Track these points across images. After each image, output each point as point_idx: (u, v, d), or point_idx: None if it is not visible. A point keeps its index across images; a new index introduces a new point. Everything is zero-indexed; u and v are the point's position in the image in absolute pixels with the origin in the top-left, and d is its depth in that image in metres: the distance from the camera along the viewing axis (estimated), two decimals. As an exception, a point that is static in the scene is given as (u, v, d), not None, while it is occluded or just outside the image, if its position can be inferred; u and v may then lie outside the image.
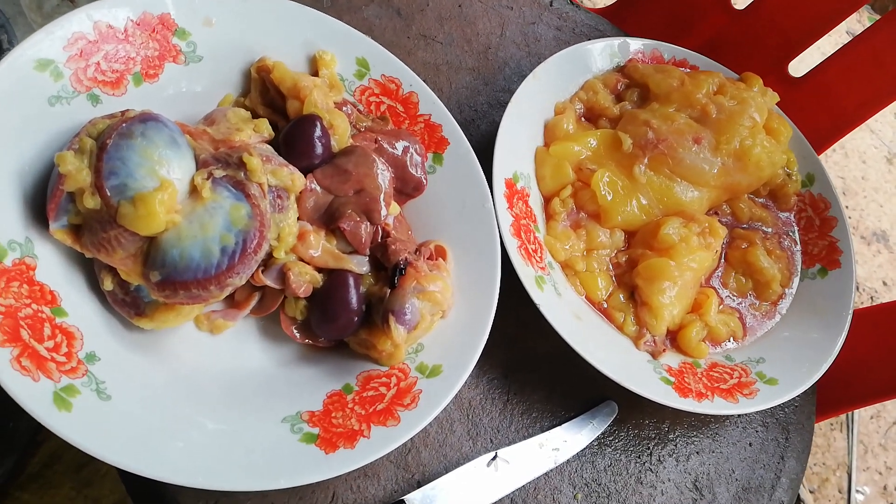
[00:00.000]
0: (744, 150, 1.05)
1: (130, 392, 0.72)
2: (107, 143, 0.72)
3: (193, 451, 0.70)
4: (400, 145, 0.93)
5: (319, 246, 0.83)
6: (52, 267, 0.74)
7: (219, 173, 0.77)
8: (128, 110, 0.81)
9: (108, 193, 0.72)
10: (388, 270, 0.84)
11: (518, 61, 1.22)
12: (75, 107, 0.79)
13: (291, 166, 0.81)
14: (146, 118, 0.75)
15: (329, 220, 0.84)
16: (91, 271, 0.78)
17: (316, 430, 0.76)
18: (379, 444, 0.76)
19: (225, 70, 0.91)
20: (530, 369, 1.00)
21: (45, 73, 0.77)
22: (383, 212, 0.86)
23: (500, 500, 0.90)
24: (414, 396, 0.81)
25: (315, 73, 0.94)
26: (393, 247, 0.84)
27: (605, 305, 1.01)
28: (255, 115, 0.90)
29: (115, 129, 0.73)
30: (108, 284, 0.76)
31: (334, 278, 0.83)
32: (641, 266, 1.00)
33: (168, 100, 0.87)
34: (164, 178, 0.74)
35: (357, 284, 0.83)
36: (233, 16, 0.90)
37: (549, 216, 1.03)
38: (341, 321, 0.82)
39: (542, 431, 0.97)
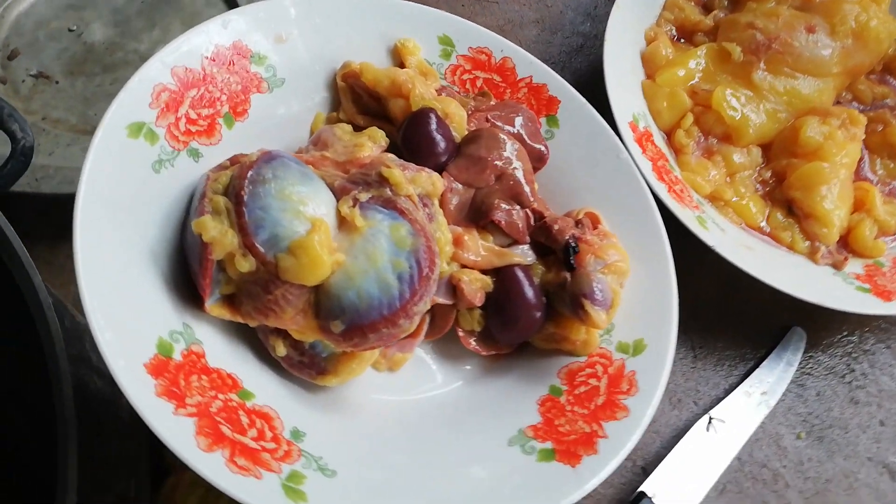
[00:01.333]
0: (860, 26, 0.96)
1: (348, 459, 0.64)
2: (241, 195, 0.63)
3: (445, 499, 0.62)
4: (511, 118, 0.84)
5: (478, 247, 0.74)
6: (218, 347, 0.65)
7: (364, 196, 0.68)
8: (239, 156, 0.72)
9: (262, 250, 0.63)
10: (558, 252, 0.75)
11: (578, 1, 1.13)
12: (179, 167, 0.70)
13: (427, 169, 0.72)
14: (270, 158, 0.66)
15: (478, 217, 0.76)
16: (253, 341, 0.69)
17: (549, 445, 0.68)
18: (620, 440, 0.68)
19: (309, 87, 0.82)
20: (706, 318, 0.92)
21: (140, 138, 0.68)
22: (528, 192, 0.78)
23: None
24: (630, 381, 0.73)
25: (401, 65, 0.85)
26: (555, 226, 0.75)
27: (767, 228, 0.93)
28: (356, 128, 0.80)
29: (244, 177, 0.64)
30: (280, 350, 0.67)
31: (505, 277, 0.74)
32: (793, 177, 0.92)
33: (262, 134, 0.78)
34: (313, 216, 0.65)
35: (530, 277, 0.75)
36: (302, 25, 0.80)
37: (677, 151, 0.95)
38: (523, 321, 0.73)
39: (740, 379, 0.89)
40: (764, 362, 0.90)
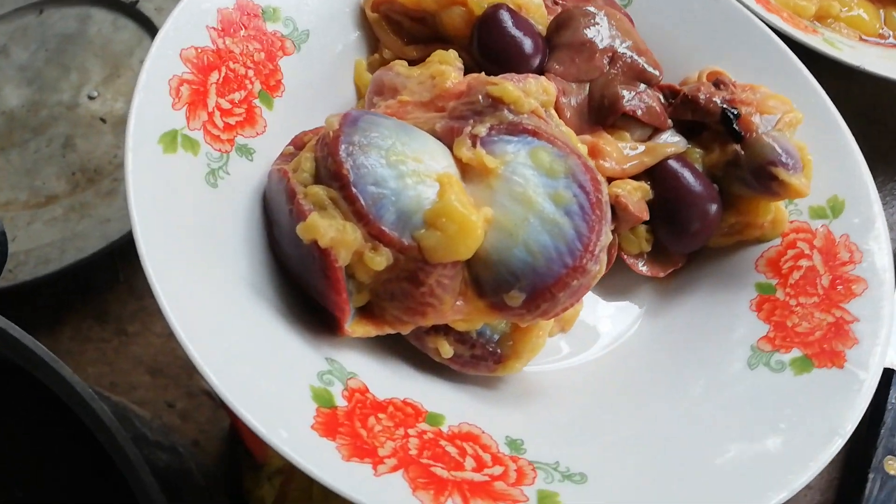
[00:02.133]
0: None
1: (582, 453, 0.50)
2: (344, 173, 0.47)
3: (719, 463, 0.49)
4: (580, -8, 0.68)
5: (620, 150, 0.60)
6: (377, 373, 0.50)
7: (481, 130, 0.52)
8: (302, 135, 0.56)
9: (395, 234, 0.47)
10: (712, 125, 0.61)
11: None
12: (236, 173, 0.54)
13: (532, 75, 0.57)
14: (353, 120, 0.50)
15: (604, 115, 0.60)
16: (403, 349, 0.54)
17: (798, 352, 0.55)
18: (874, 314, 0.55)
19: (337, 32, 0.65)
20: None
21: (179, 150, 0.51)
22: (651, 66, 0.62)
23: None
24: (846, 246, 0.59)
25: (432, -27, 0.68)
26: (700, 95, 0.60)
27: (889, 33, 0.79)
28: (409, 63, 0.64)
29: (336, 152, 0.48)
30: (447, 350, 0.52)
31: (663, 176, 0.60)
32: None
33: (306, 104, 0.62)
34: (437, 172, 0.49)
35: (691, 166, 0.60)
36: (303, -41, 0.63)
37: (760, -23, 0.80)
38: (700, 220, 0.59)
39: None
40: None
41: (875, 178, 0.78)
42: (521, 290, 0.48)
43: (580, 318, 0.61)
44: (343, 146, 0.48)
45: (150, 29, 0.83)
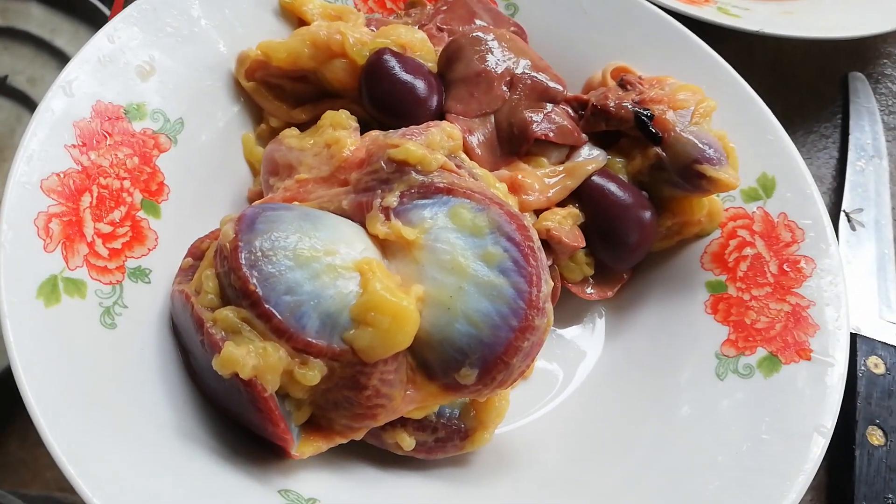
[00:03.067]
0: None
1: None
2: (251, 289, 0.43)
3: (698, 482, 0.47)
4: (464, 14, 0.64)
5: (540, 178, 0.56)
6: (337, 492, 0.46)
7: (392, 199, 0.48)
8: (198, 242, 0.51)
9: (322, 343, 0.43)
10: (628, 132, 0.58)
11: None
12: (133, 303, 0.49)
13: (432, 123, 0.52)
14: (250, 221, 0.45)
15: (516, 144, 0.57)
16: (357, 452, 0.50)
17: (763, 352, 0.53)
18: (829, 294, 0.54)
19: (213, 110, 0.59)
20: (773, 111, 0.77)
21: (62, 299, 0.45)
22: (551, 81, 0.59)
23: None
24: (787, 226, 0.58)
25: (302, 24, 0.63)
26: (609, 102, 0.57)
27: (779, -16, 0.78)
28: (300, 127, 0.59)
29: (238, 265, 0.43)
30: (407, 442, 0.48)
31: (589, 196, 0.57)
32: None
33: (198, 201, 0.56)
34: (354, 261, 0.45)
35: (616, 179, 0.57)
36: (159, 42, 0.57)
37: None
38: (638, 232, 0.57)
39: (839, 157, 0.76)
40: (850, 124, 0.77)
41: (794, 131, 0.78)
42: (472, 365, 0.45)
43: (540, 359, 0.58)
44: (244, 257, 0.44)
45: (27, 103, 0.76)
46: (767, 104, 0.76)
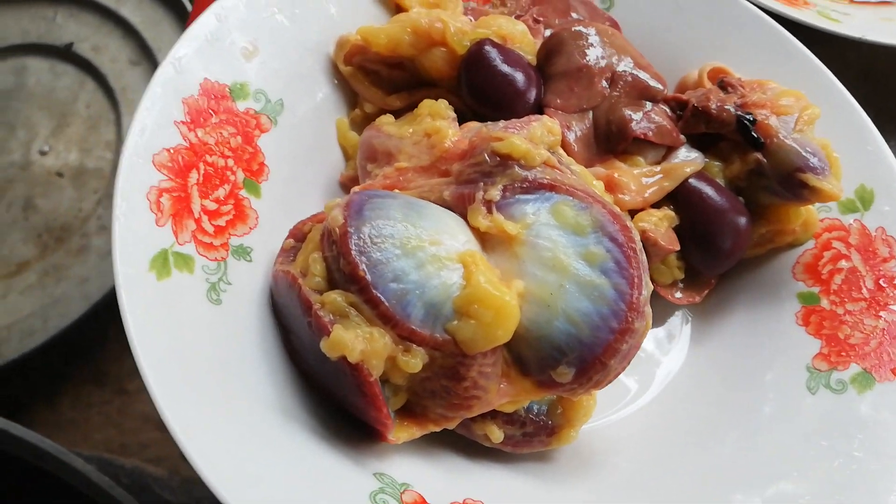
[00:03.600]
0: None
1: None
2: (360, 275, 0.43)
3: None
4: (560, 6, 0.64)
5: (637, 178, 0.56)
6: (430, 476, 0.47)
7: (495, 193, 0.48)
8: (300, 225, 0.52)
9: (426, 332, 0.43)
10: (729, 135, 0.57)
11: None
12: (238, 280, 0.50)
13: (533, 116, 0.52)
14: (358, 207, 0.46)
15: (613, 142, 0.57)
16: (447, 441, 0.50)
17: (856, 368, 0.52)
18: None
19: (312, 93, 0.60)
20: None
21: (172, 273, 0.46)
22: (653, 80, 0.58)
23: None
24: (884, 240, 0.57)
25: (399, 11, 0.63)
26: (711, 104, 0.56)
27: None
28: (395, 114, 0.59)
29: (348, 249, 0.44)
30: (496, 435, 0.49)
31: (685, 198, 0.56)
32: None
33: (294, 182, 0.57)
34: (458, 253, 0.45)
35: (713, 183, 0.57)
36: (263, 22, 0.58)
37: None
38: (732, 237, 0.56)
39: None
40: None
41: (888, 142, 0.76)
42: (569, 364, 0.45)
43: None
44: (353, 243, 0.44)
45: (91, 71, 0.78)
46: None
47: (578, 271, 0.46)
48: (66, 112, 0.77)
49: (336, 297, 0.44)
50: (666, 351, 0.59)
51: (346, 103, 0.62)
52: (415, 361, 0.43)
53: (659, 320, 0.60)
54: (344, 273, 0.44)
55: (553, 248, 0.46)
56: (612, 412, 0.56)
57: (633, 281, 0.46)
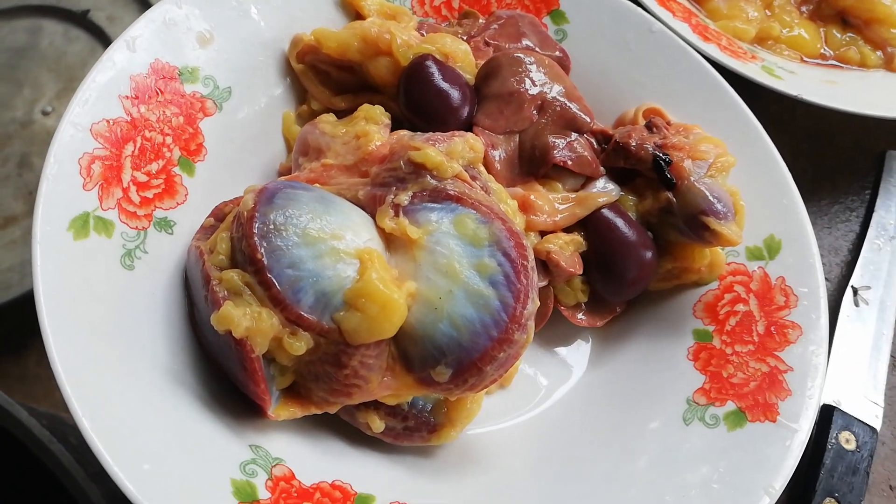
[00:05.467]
0: None
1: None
2: (258, 258, 0.46)
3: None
4: (513, 32, 0.67)
5: (551, 202, 0.59)
6: (305, 455, 0.50)
7: (404, 198, 0.51)
8: (222, 205, 0.55)
9: (313, 318, 0.46)
10: (645, 172, 0.60)
11: None
12: (154, 250, 0.53)
13: (458, 132, 0.55)
14: (270, 195, 0.49)
15: (535, 165, 0.59)
16: (333, 422, 0.53)
17: (732, 406, 0.55)
18: (808, 364, 0.55)
19: (261, 86, 0.63)
20: (803, 176, 0.78)
21: (91, 234, 0.50)
22: (581, 112, 0.61)
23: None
24: (783, 290, 0.59)
25: (359, 17, 0.67)
26: (632, 141, 0.59)
27: (830, 53, 0.78)
28: (338, 114, 0.62)
29: (251, 234, 0.47)
30: (377, 424, 0.51)
31: (596, 227, 0.59)
32: (839, -17, 0.77)
33: (231, 165, 0.60)
34: (357, 249, 0.48)
35: (624, 215, 0.59)
36: (222, 12, 0.61)
37: (699, 0, 0.79)
38: (636, 269, 0.58)
39: (859, 232, 0.77)
40: (877, 202, 0.77)
41: (821, 198, 0.79)
42: (448, 365, 0.48)
43: (522, 372, 0.61)
44: (257, 227, 0.47)
45: (103, 40, 0.81)
46: (800, 167, 0.78)
47: (469, 280, 0.48)
48: (73, 77, 0.79)
49: (234, 275, 0.47)
50: (565, 368, 0.61)
51: (295, 98, 0.65)
52: (299, 344, 0.46)
53: (562, 339, 0.63)
54: (245, 254, 0.47)
55: (449, 255, 0.49)
56: (503, 420, 0.58)
57: (518, 295, 0.48)
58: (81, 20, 0.81)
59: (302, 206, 0.49)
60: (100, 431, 0.42)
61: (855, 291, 0.71)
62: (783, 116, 0.79)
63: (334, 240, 0.48)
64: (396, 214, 0.51)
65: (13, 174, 0.74)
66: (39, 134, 0.78)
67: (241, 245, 0.47)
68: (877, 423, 0.64)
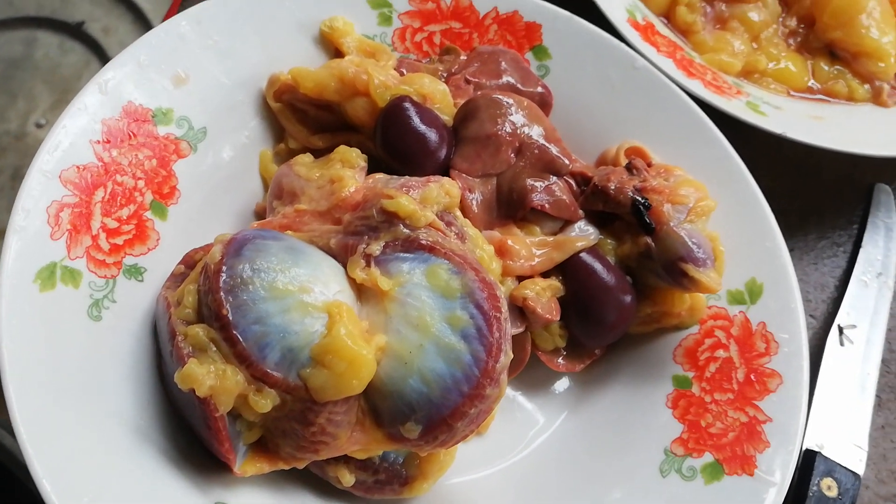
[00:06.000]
0: None
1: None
2: (223, 314, 0.45)
3: None
4: (494, 68, 0.66)
5: (528, 247, 0.58)
6: (272, 511, 0.49)
7: (375, 248, 0.50)
8: (192, 253, 0.54)
9: (279, 375, 0.46)
10: (625, 216, 0.59)
11: None
12: (123, 299, 0.52)
13: (434, 178, 0.55)
14: (238, 247, 0.48)
15: (513, 209, 0.59)
16: (301, 478, 0.52)
17: (709, 457, 0.54)
18: (788, 415, 0.55)
19: (237, 125, 0.63)
20: (789, 212, 0.77)
21: (57, 285, 0.49)
22: (560, 154, 0.61)
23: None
24: (764, 336, 0.58)
25: (338, 55, 0.66)
26: (611, 185, 0.58)
27: (817, 86, 0.77)
28: (315, 153, 0.62)
29: (217, 289, 0.46)
30: (347, 479, 0.51)
31: (574, 271, 0.58)
32: (826, 15, 0.76)
33: (205, 208, 0.60)
34: (325, 302, 0.48)
35: (603, 259, 0.59)
36: (199, 52, 0.60)
37: (685, 33, 0.78)
38: (614, 315, 0.58)
39: (846, 267, 0.76)
40: (864, 237, 0.76)
41: (807, 233, 0.78)
42: (417, 421, 0.47)
43: (499, 418, 0.60)
44: (223, 281, 0.46)
45: (98, 51, 0.80)
46: (786, 201, 0.77)
47: (440, 333, 0.48)
48: (67, 89, 0.79)
49: (199, 330, 0.46)
50: (542, 415, 0.61)
51: (273, 137, 0.65)
52: (264, 402, 0.46)
53: (540, 384, 0.62)
54: (210, 308, 0.46)
55: (421, 307, 0.48)
56: (479, 470, 0.58)
57: (490, 349, 0.48)
58: (76, 32, 0.81)
59: (270, 257, 0.48)
60: (59, 492, 0.42)
61: (840, 330, 0.70)
62: (770, 149, 0.78)
63: (303, 293, 0.47)
64: (368, 265, 0.50)
65: (6, 186, 0.74)
66: (33, 146, 0.77)
67: (207, 299, 0.47)
68: (860, 468, 0.63)
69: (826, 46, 0.78)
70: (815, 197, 0.79)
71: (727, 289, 0.61)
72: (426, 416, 0.47)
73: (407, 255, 0.50)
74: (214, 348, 0.46)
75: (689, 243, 0.56)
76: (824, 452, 0.63)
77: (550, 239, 0.59)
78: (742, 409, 0.56)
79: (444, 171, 0.59)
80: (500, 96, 0.61)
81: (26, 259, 0.48)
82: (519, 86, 0.66)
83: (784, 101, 0.75)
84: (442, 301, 0.49)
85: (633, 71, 0.68)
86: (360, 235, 0.51)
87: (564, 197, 0.59)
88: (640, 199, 0.58)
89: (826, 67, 0.77)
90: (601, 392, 0.61)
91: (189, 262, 0.54)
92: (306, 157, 0.60)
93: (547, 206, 0.58)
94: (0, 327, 0.45)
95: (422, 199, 0.52)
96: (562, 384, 0.62)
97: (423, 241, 0.50)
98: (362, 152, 0.58)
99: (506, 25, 0.70)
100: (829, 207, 0.79)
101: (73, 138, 0.53)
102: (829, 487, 0.61)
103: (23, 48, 0.81)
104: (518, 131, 0.60)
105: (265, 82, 0.63)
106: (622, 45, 0.68)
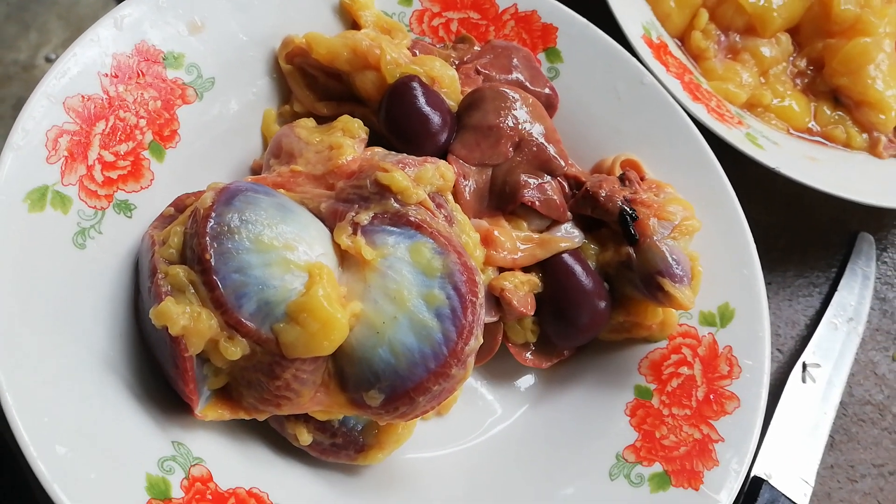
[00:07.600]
0: None
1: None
2: (206, 258, 0.46)
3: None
4: (506, 63, 0.67)
5: (514, 240, 0.59)
6: (227, 458, 0.50)
7: (364, 217, 0.51)
8: (184, 197, 0.54)
9: (252, 325, 0.46)
10: (612, 224, 0.60)
11: None
12: (109, 231, 0.52)
13: (430, 158, 0.56)
14: (230, 196, 0.49)
15: (504, 201, 0.60)
16: (264, 429, 0.53)
17: (658, 468, 0.55)
18: (740, 438, 0.56)
19: (246, 80, 0.63)
20: (773, 246, 0.79)
21: (47, 207, 0.49)
22: (557, 155, 0.62)
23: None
24: (728, 359, 0.60)
25: (355, 27, 0.67)
26: (602, 192, 0.60)
27: (817, 128, 0.79)
28: (319, 119, 0.62)
29: (203, 233, 0.47)
30: (305, 437, 0.52)
31: (554, 270, 0.59)
32: (835, 61, 0.78)
33: (203, 156, 0.60)
34: (308, 262, 0.48)
35: (584, 263, 0.60)
36: (217, 4, 0.61)
37: (697, 58, 0.79)
38: (587, 318, 0.59)
39: (819, 308, 0.77)
40: (841, 282, 0.78)
41: (787, 269, 0.79)
42: (381, 390, 0.48)
43: (461, 402, 0.61)
44: (211, 225, 0.47)
45: None
46: (774, 234, 0.78)
47: (415, 308, 0.49)
48: (82, 27, 0.78)
49: (180, 271, 0.47)
50: (504, 404, 0.62)
51: (279, 98, 0.65)
52: (234, 350, 0.46)
53: (507, 375, 0.63)
54: (194, 251, 0.47)
55: (400, 281, 0.49)
56: (436, 449, 0.59)
57: (462, 330, 0.49)
58: None
59: (260, 211, 0.49)
60: (21, 409, 0.42)
61: (804, 367, 0.72)
62: (765, 182, 0.79)
63: (286, 250, 0.48)
64: (354, 233, 0.51)
65: (6, 115, 0.74)
66: (39, 80, 0.77)
67: (192, 242, 0.47)
68: (804, 502, 0.65)
69: (831, 91, 0.80)
70: (801, 236, 0.81)
71: (700, 309, 0.62)
72: (390, 386, 0.48)
73: (394, 228, 0.51)
74: (193, 290, 0.46)
75: (669, 259, 0.57)
76: (771, 481, 0.65)
77: (536, 236, 0.60)
78: (697, 426, 0.57)
79: (443, 154, 0.60)
80: (507, 90, 0.62)
81: (19, 178, 0.48)
82: (527, 84, 0.67)
83: (782, 138, 0.76)
84: (422, 278, 0.49)
85: (640, 86, 0.69)
86: (351, 203, 0.52)
87: (555, 197, 0.60)
88: (627, 209, 0.59)
89: (828, 111, 0.79)
90: (563, 392, 0.62)
91: (179, 205, 0.54)
92: (309, 122, 0.61)
93: (537, 203, 0.59)
94: (-18, 241, 0.46)
95: (416, 177, 0.53)
96: (526, 381, 0.63)
97: (412, 218, 0.51)
98: (364, 125, 0.59)
99: (523, 23, 0.71)
100: (813, 248, 0.80)
101: (81, 67, 0.53)
102: (770, 515, 0.62)
103: (42, -19, 0.81)
104: (519, 126, 0.61)
105: (279, 42, 0.64)
106: (633, 59, 0.70)
